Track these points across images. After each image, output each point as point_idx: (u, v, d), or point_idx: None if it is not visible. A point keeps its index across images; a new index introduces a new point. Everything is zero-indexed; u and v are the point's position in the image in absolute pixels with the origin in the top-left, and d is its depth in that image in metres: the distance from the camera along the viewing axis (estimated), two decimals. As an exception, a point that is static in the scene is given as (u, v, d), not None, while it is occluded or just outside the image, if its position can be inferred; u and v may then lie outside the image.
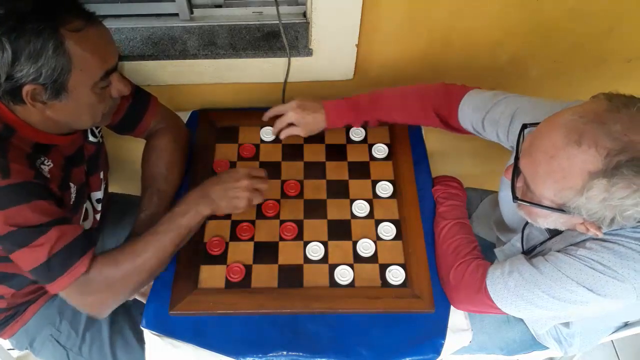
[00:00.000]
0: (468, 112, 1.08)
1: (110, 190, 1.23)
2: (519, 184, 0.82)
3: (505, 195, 1.08)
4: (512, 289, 0.89)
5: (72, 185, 0.97)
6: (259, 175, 1.03)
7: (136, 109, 1.10)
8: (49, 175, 0.88)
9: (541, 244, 0.96)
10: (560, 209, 0.77)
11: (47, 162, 0.89)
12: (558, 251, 0.87)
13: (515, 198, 0.82)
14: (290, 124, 1.17)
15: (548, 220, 0.83)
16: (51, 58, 0.77)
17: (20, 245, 0.81)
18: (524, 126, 0.84)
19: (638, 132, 0.68)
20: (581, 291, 0.82)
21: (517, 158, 0.82)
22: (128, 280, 0.91)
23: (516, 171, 0.81)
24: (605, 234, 0.82)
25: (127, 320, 1.15)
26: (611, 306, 0.84)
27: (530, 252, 0.98)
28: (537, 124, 0.80)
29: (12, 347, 1.20)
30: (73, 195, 0.97)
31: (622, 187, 0.69)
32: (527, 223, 0.98)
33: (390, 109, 1.16)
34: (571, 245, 0.87)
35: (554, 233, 0.94)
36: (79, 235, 0.87)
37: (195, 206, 0.96)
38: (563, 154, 0.72)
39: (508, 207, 1.07)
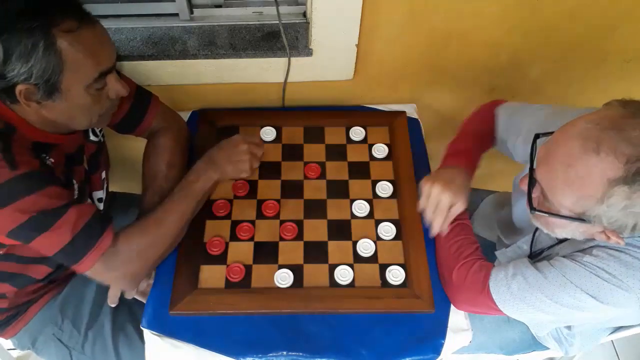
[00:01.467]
0: (500, 128, 1.11)
1: (110, 189, 1.23)
2: (535, 194, 0.81)
3: (519, 197, 1.08)
4: (515, 292, 0.89)
5: (74, 182, 0.98)
6: (253, 141, 1.10)
7: (137, 108, 1.10)
8: (53, 166, 0.90)
9: (548, 248, 0.96)
10: (580, 218, 0.75)
11: (49, 158, 0.90)
12: (564, 257, 0.87)
13: (532, 209, 0.80)
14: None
15: (566, 230, 0.82)
16: (42, 58, 0.76)
17: (41, 231, 0.83)
18: (537, 136, 0.83)
19: None
20: (584, 298, 0.81)
21: (532, 168, 0.80)
22: (155, 247, 0.97)
23: (532, 181, 0.80)
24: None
25: (129, 317, 1.15)
26: (613, 314, 0.83)
27: (536, 256, 0.98)
28: (550, 133, 0.79)
29: (12, 347, 1.20)
30: (76, 193, 0.98)
31: None
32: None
33: (478, 148, 1.14)
34: (578, 251, 0.86)
35: (562, 238, 0.93)
36: (95, 212, 0.90)
37: (205, 173, 1.05)
38: (581, 162, 0.71)
39: (522, 209, 1.06)
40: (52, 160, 0.90)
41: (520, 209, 1.08)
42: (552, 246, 0.95)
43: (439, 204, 0.99)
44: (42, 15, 0.76)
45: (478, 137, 1.14)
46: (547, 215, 0.79)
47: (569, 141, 0.73)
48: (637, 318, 0.99)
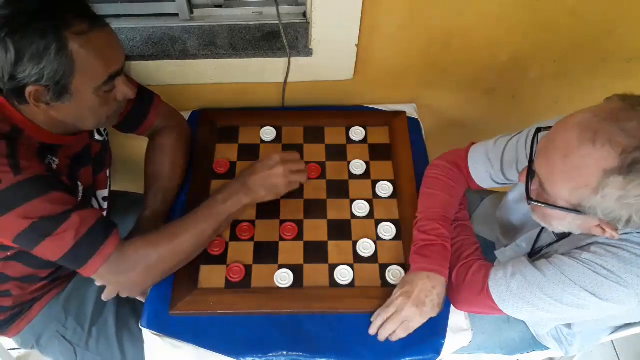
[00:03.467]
0: (481, 172, 1.08)
1: (112, 188, 1.23)
2: (534, 187, 0.82)
3: (513, 195, 1.09)
4: (514, 291, 0.89)
5: (79, 184, 0.98)
6: (292, 158, 1.04)
7: (140, 108, 1.10)
8: (58, 170, 0.90)
9: (548, 246, 0.96)
10: (576, 210, 0.75)
11: (55, 160, 0.91)
12: (562, 254, 0.87)
13: (529, 199, 0.80)
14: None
15: (563, 222, 0.82)
16: (54, 60, 0.77)
17: (45, 236, 0.82)
18: (538, 129, 0.83)
19: None
20: (584, 295, 0.81)
21: (531, 161, 0.81)
22: (164, 261, 0.94)
23: (530, 174, 0.81)
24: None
25: (133, 312, 1.15)
26: (613, 311, 0.83)
27: (535, 254, 0.98)
28: (550, 127, 0.79)
29: (12, 347, 1.20)
30: (80, 195, 0.98)
31: (639, 184, 0.68)
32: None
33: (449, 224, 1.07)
34: (576, 248, 0.86)
35: (561, 236, 0.93)
36: (100, 218, 0.89)
37: (236, 194, 1.00)
38: (577, 152, 0.71)
39: (516, 207, 1.07)
40: (58, 162, 0.91)
41: (514, 207, 1.08)
42: (551, 244, 0.95)
43: (402, 318, 0.95)
44: (54, 17, 0.76)
45: (449, 206, 1.07)
46: (543, 206, 0.79)
47: (567, 132, 0.73)
48: (637, 315, 0.99)
